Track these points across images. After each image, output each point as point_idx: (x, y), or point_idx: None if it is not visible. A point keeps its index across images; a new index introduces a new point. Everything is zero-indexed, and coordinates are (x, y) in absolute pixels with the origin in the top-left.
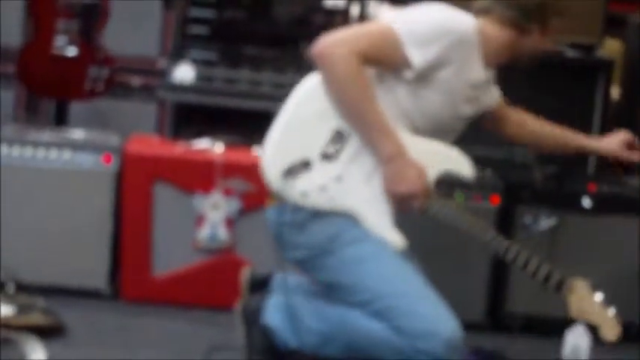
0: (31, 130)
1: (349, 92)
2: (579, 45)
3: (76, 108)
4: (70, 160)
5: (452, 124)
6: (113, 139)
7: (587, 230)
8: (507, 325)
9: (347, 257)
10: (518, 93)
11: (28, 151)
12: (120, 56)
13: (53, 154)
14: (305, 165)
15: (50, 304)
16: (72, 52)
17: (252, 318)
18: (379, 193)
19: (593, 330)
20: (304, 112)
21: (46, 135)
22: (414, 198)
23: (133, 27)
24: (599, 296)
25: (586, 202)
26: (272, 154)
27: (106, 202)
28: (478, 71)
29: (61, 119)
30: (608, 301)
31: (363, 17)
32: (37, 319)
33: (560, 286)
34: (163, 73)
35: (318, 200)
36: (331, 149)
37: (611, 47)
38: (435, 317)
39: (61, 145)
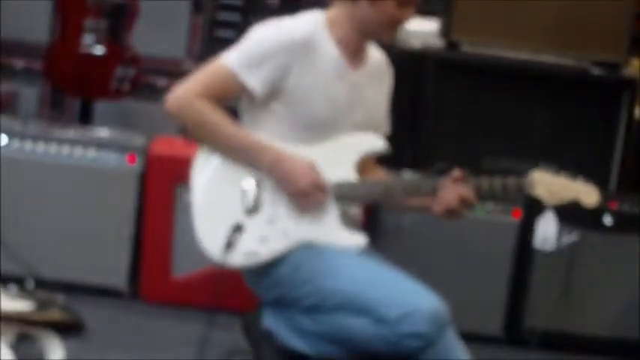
0: (56, 127)
1: (206, 132)
2: (604, 63)
3: (100, 107)
4: (94, 158)
5: (343, 125)
6: (138, 140)
7: (607, 247)
8: (526, 339)
9: (314, 276)
10: (541, 111)
11: (53, 148)
12: (147, 57)
13: (78, 151)
14: (238, 229)
15: (69, 301)
16: (99, 51)
17: (252, 327)
18: (313, 206)
19: None
20: (207, 188)
21: (71, 132)
22: (312, 190)
23: (161, 28)
24: (562, 175)
25: (607, 220)
26: (206, 241)
27: (128, 202)
28: (332, 60)
29: (85, 118)
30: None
31: None
32: (55, 315)
33: (521, 188)
34: (189, 76)
35: (266, 251)
36: (251, 202)
37: (635, 66)
38: (411, 298)
39: (86, 143)
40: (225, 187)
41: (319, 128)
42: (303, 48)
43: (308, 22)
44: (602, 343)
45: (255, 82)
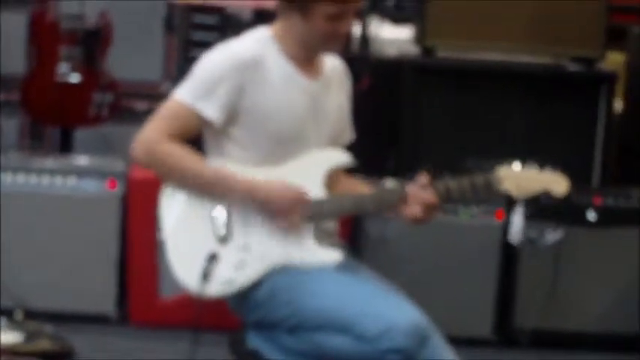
0: (35, 157)
1: (175, 175)
2: (581, 58)
3: (80, 134)
4: (75, 186)
5: (309, 137)
6: (118, 165)
7: (592, 243)
8: (516, 339)
9: (293, 297)
10: (522, 110)
11: (33, 179)
12: (123, 81)
13: (58, 180)
14: (212, 259)
15: (58, 330)
16: (75, 78)
17: (238, 346)
18: (297, 223)
19: None
20: (177, 221)
21: (51, 162)
22: (293, 206)
23: (136, 52)
24: (530, 166)
25: (591, 216)
26: (183, 274)
27: (112, 227)
28: (285, 74)
29: (66, 146)
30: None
31: (365, 38)
32: (45, 345)
33: (490, 186)
34: (167, 97)
35: (243, 278)
36: (222, 230)
37: (614, 59)
38: (388, 313)
39: (65, 172)
40: (195, 219)
41: (285, 144)
42: (253, 67)
43: (253, 41)
44: (592, 338)
45: (211, 110)
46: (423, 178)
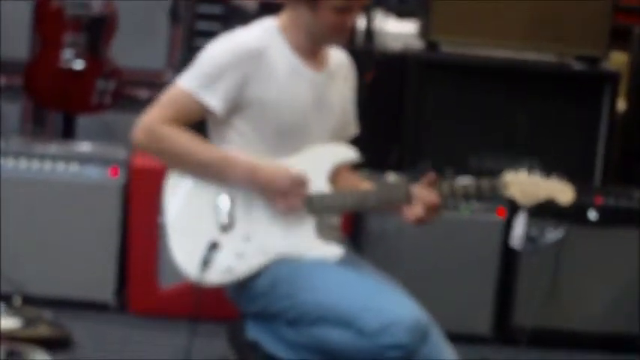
0: (37, 143)
1: (177, 156)
2: (585, 57)
3: (83, 121)
4: (77, 173)
5: (313, 128)
6: (120, 152)
7: (593, 243)
8: (515, 337)
9: (293, 290)
10: (524, 108)
11: (35, 164)
12: (127, 69)
13: (60, 167)
14: (213, 247)
15: (57, 317)
16: (79, 65)
17: (237, 337)
18: (289, 219)
19: None
20: (180, 208)
21: (53, 148)
22: (292, 188)
23: (140, 40)
24: (535, 173)
25: (592, 215)
26: (182, 261)
27: (113, 215)
28: (289, 64)
29: (68, 132)
30: (546, 174)
31: (369, 32)
32: (43, 331)
33: (495, 190)
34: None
35: (243, 267)
36: (224, 218)
37: (617, 59)
38: (391, 308)
39: (68, 158)
40: (198, 206)
41: (289, 135)
42: (258, 57)
43: (259, 31)
44: (592, 337)
45: (214, 100)
46: (429, 178)
